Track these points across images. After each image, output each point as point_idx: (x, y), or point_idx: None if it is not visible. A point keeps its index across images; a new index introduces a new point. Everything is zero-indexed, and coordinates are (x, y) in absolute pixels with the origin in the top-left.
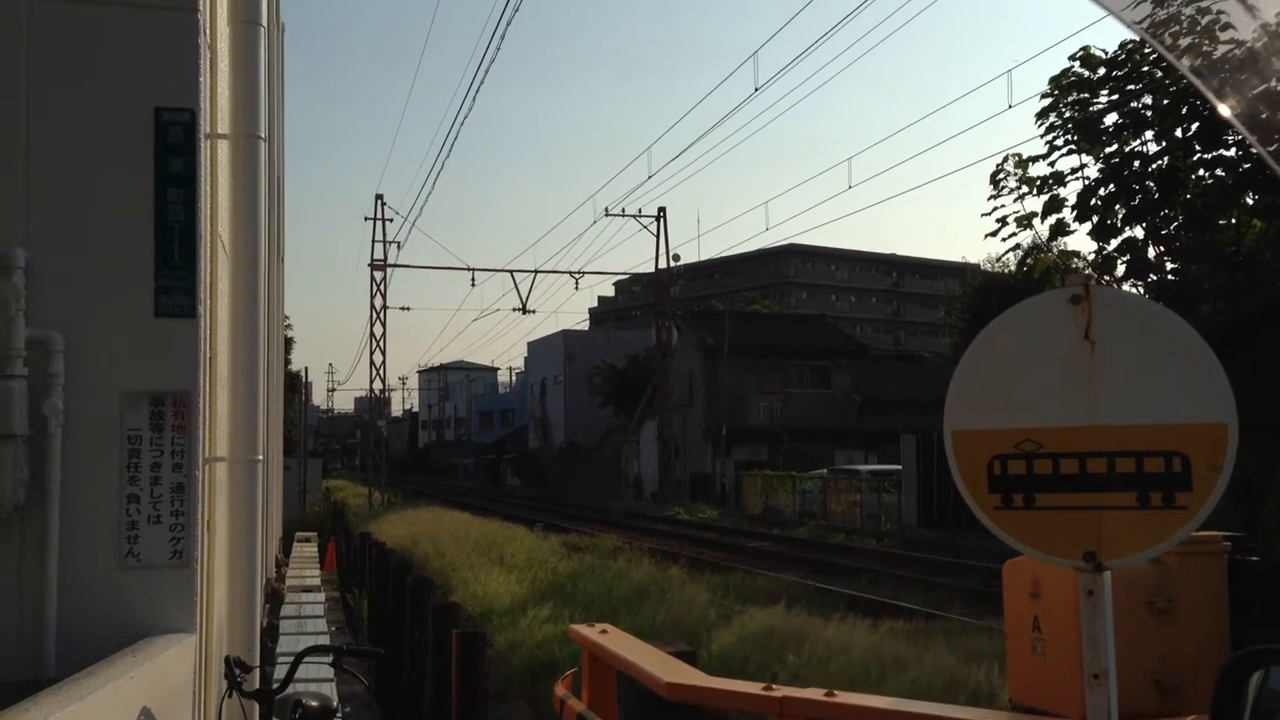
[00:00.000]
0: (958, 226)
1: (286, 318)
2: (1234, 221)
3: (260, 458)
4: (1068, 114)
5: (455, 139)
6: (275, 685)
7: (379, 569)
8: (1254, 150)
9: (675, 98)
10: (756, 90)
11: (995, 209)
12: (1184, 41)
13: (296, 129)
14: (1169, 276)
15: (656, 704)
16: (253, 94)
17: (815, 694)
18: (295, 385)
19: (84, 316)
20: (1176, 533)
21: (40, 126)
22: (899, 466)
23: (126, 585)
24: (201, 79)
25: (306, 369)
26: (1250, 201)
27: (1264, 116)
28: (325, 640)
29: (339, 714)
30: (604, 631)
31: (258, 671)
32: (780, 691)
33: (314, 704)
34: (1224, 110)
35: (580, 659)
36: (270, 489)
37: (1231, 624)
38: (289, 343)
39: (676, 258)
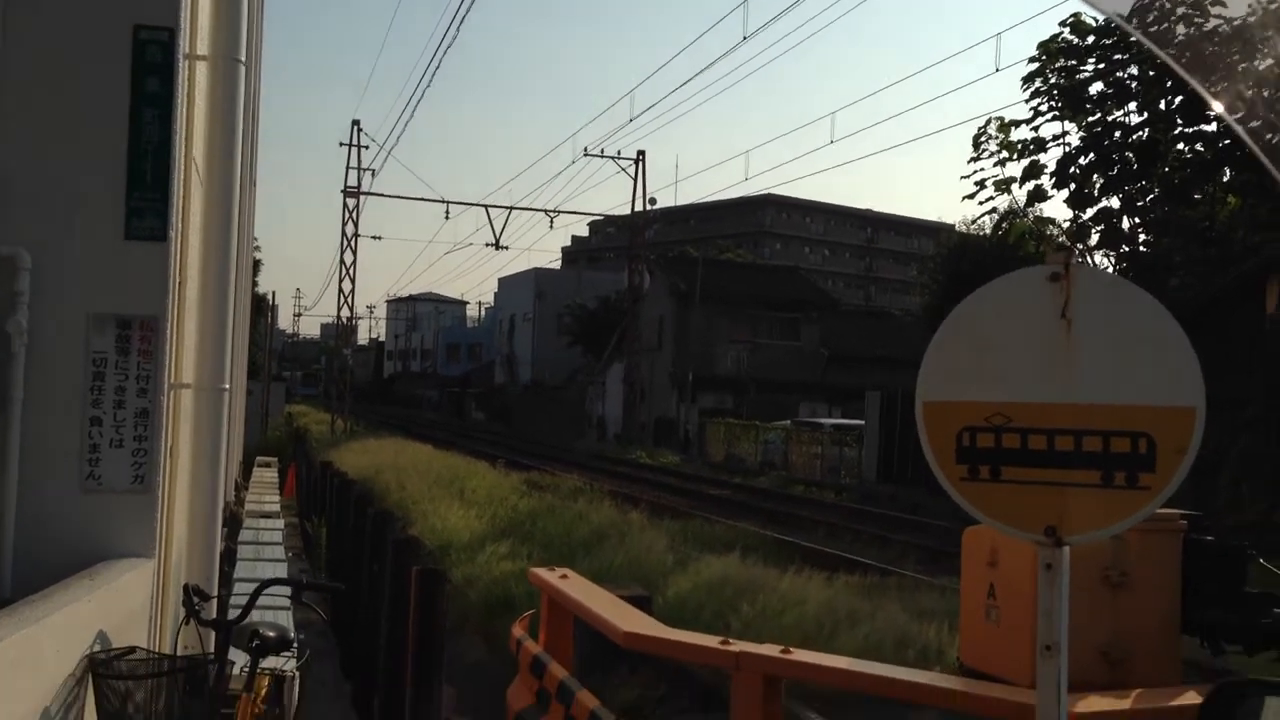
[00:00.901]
0: (936, 186)
1: (255, 239)
2: (1210, 197)
3: (226, 386)
4: (1054, 80)
5: (437, 68)
6: (233, 615)
7: (339, 499)
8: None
9: (663, 41)
10: (745, 38)
11: (975, 171)
12: (1180, 10)
13: (274, 47)
14: (1141, 248)
15: (612, 650)
16: (234, 16)
17: (771, 650)
18: (261, 308)
19: (52, 235)
20: (1137, 513)
21: (16, 41)
22: (862, 422)
23: (86, 508)
24: None
25: (274, 293)
26: (1226, 178)
27: (1249, 93)
28: (283, 568)
29: (296, 644)
30: (564, 576)
31: (216, 600)
32: (737, 646)
33: (271, 634)
34: (1216, 105)
35: (538, 601)
36: (234, 414)
37: (1183, 603)
38: (256, 265)
39: (653, 201)
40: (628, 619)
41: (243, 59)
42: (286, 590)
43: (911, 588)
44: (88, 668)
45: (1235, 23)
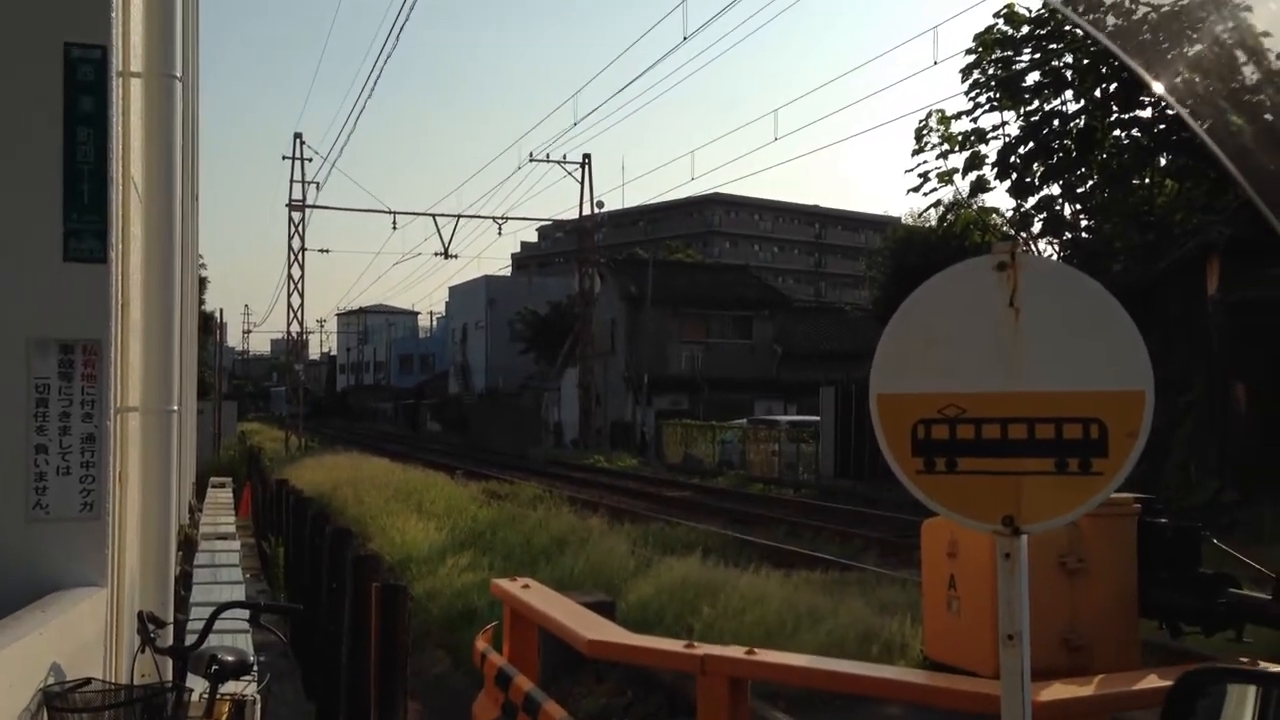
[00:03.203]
0: (882, 179)
1: (201, 257)
2: (1148, 182)
3: (175, 408)
4: (991, 71)
5: (378, 78)
6: (190, 640)
7: (296, 517)
8: (1169, 112)
9: (603, 43)
10: (685, 39)
11: (919, 165)
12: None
13: (212, 59)
14: (1084, 235)
15: (577, 659)
16: (168, 31)
17: (736, 652)
18: (209, 326)
19: None
20: (1092, 498)
21: None
22: (817, 417)
23: (35, 538)
24: (114, 14)
25: (221, 310)
26: (1164, 163)
27: (1179, 80)
28: (241, 589)
29: (255, 668)
30: (526, 586)
31: (172, 626)
32: (702, 649)
33: (230, 659)
34: (1158, 88)
35: (501, 612)
36: (184, 435)
37: (1140, 586)
38: (203, 283)
39: (600, 205)
40: (591, 627)
41: (178, 75)
42: (244, 613)
43: (873, 582)
44: (42, 701)
45: (1163, 10)
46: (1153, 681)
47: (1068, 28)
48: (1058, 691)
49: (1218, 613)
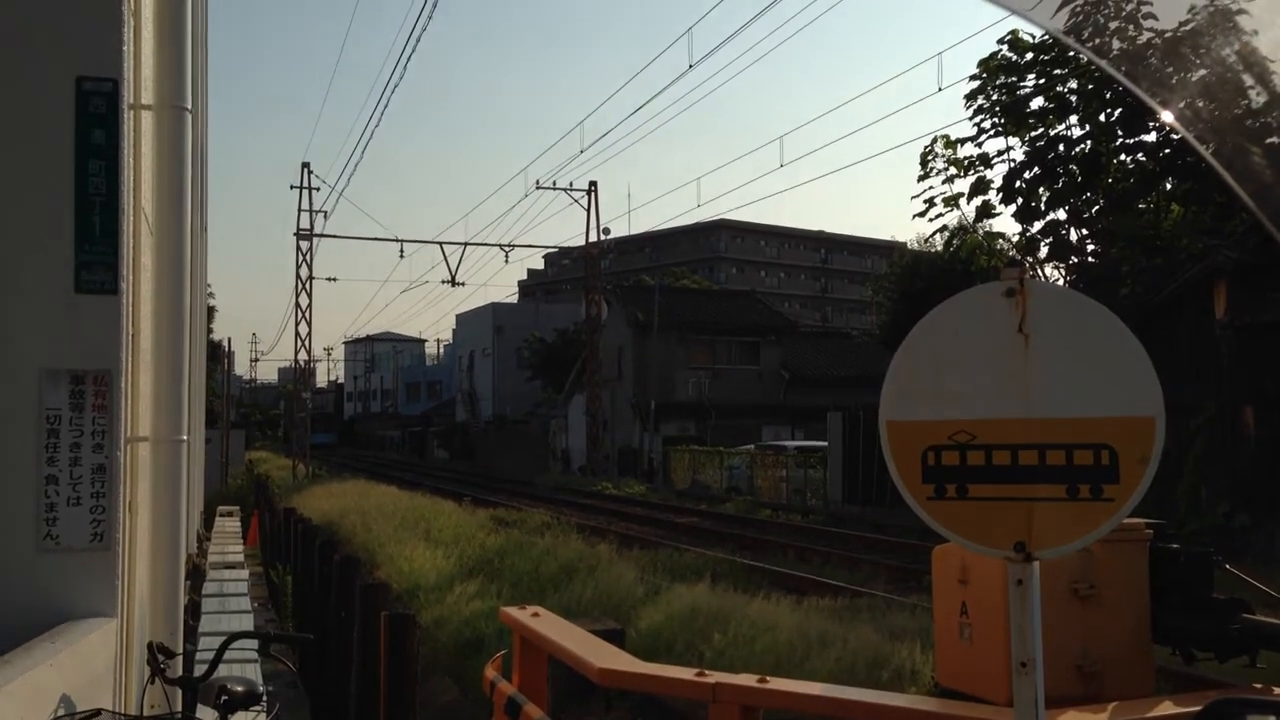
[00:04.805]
0: (888, 204)
1: (209, 286)
2: (1153, 206)
3: (184, 438)
4: (995, 97)
5: (385, 107)
6: (200, 670)
7: (304, 546)
8: (1174, 136)
9: (610, 72)
10: (690, 67)
11: (924, 190)
12: (1112, 24)
13: (220, 90)
14: (1090, 259)
15: (588, 687)
16: (178, 64)
17: (748, 680)
18: (217, 355)
19: (0, 291)
20: (1104, 524)
21: None
22: (825, 443)
23: (45, 569)
24: (125, 47)
25: (229, 339)
26: (1169, 187)
27: (1185, 105)
28: (249, 619)
29: (264, 698)
30: (535, 614)
31: (181, 657)
32: (713, 677)
33: (239, 689)
34: (1166, 116)
35: (509, 640)
36: (193, 465)
37: (1152, 612)
38: (211, 312)
39: (607, 231)
40: (602, 655)
41: (189, 106)
42: (253, 643)
43: (883, 608)
44: None
45: (1168, 35)
46: (1167, 708)
47: (1072, 53)
48: (1072, 719)
49: (1231, 638)
